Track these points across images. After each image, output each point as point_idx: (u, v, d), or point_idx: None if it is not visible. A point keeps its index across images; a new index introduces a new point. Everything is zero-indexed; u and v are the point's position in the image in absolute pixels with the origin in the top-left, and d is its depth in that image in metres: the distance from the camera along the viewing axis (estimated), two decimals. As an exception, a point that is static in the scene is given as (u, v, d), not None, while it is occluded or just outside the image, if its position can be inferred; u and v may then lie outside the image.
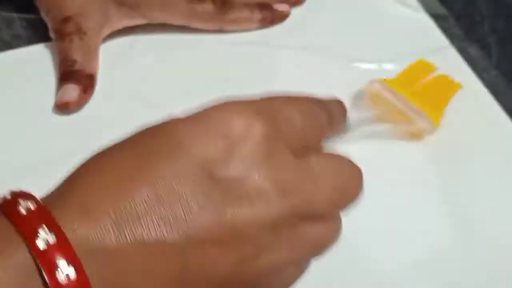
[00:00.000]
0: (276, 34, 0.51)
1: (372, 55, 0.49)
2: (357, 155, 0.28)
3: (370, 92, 0.44)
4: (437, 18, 0.52)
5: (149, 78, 0.47)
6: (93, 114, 0.45)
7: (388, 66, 0.49)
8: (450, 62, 0.49)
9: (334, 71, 0.49)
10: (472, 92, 0.47)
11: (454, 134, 0.45)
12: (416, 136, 0.44)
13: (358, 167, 0.27)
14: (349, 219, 0.36)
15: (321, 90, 0.30)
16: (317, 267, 0.30)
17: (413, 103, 0.43)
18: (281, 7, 0.51)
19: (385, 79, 0.44)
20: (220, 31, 0.49)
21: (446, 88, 0.46)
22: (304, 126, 0.26)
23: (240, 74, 0.48)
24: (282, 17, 0.51)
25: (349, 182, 0.26)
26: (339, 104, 0.29)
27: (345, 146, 0.29)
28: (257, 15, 0.49)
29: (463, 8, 0.54)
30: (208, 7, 0.47)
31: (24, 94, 0.46)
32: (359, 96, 0.45)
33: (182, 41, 0.50)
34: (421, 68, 0.46)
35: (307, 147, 0.26)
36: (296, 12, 0.52)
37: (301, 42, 0.50)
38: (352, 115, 0.32)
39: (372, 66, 0.49)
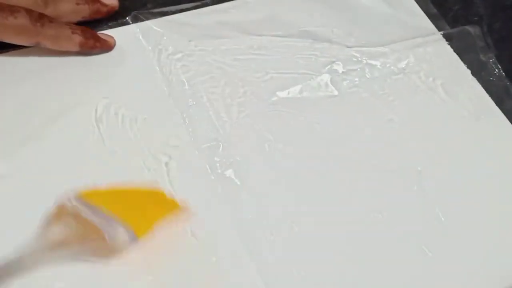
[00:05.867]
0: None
1: (359, 40, 0.51)
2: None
3: (55, 213, 0.37)
4: (434, 18, 0.52)
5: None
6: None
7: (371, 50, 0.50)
8: (440, 52, 0.51)
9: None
10: (462, 83, 0.48)
11: (445, 126, 0.46)
12: (114, 250, 0.37)
13: None
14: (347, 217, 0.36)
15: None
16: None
17: (109, 214, 0.36)
18: (106, 36, 0.47)
19: (84, 192, 0.37)
20: (37, 46, 0.44)
21: (160, 204, 0.40)
22: None
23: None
24: (106, 46, 0.47)
25: None
26: None
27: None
28: (79, 37, 0.45)
29: (460, 8, 0.54)
30: (23, 19, 0.43)
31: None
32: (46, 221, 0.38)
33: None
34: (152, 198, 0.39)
35: None
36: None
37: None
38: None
39: (361, 49, 0.50)
